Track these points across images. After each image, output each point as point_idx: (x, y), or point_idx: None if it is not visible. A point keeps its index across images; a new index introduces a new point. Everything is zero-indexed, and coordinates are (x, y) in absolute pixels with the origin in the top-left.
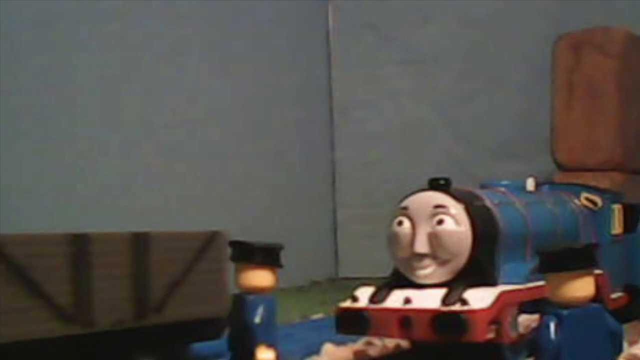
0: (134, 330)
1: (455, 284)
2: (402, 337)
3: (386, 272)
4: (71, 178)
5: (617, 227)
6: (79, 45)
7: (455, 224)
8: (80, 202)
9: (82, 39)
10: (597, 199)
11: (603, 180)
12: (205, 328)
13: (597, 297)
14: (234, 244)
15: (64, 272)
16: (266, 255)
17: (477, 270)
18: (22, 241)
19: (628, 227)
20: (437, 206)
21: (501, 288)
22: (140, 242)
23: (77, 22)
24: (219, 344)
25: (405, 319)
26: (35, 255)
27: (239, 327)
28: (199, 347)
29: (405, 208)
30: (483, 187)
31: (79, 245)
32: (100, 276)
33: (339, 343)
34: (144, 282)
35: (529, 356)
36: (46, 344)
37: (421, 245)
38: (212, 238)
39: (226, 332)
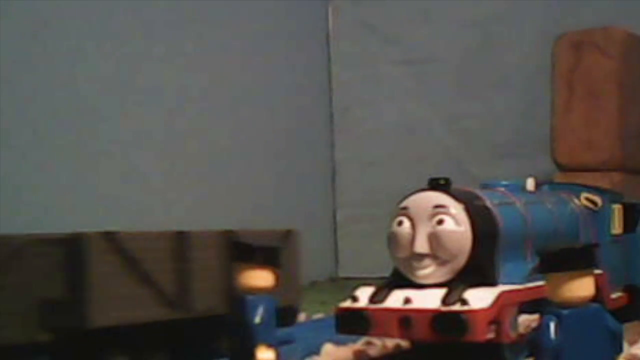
0: (222, 316)
1: (455, 284)
2: (402, 337)
3: (386, 272)
4: (73, 176)
5: (617, 227)
6: (79, 46)
7: (455, 224)
8: (83, 199)
9: (82, 39)
10: (597, 199)
11: (603, 180)
12: (281, 315)
13: (597, 297)
14: (234, 244)
15: (169, 264)
16: (266, 256)
17: (477, 270)
18: (136, 237)
19: (628, 227)
20: (437, 206)
21: (501, 288)
22: (229, 239)
23: (79, 23)
24: (291, 331)
25: (405, 319)
26: (146, 249)
27: (239, 327)
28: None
29: (405, 208)
30: (483, 187)
31: (181, 241)
32: (197, 268)
33: (339, 343)
34: (231, 274)
35: (529, 356)
36: (153, 327)
37: (421, 245)
38: (287, 235)
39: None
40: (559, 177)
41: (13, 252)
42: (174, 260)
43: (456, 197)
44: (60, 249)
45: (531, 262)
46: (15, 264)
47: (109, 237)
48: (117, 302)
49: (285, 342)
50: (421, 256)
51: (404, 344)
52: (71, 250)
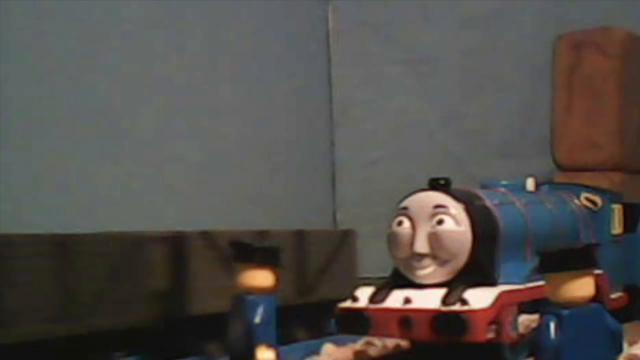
0: (294, 307)
1: (455, 284)
2: (402, 337)
3: (386, 272)
4: (74, 176)
5: (617, 227)
6: (78, 46)
7: (455, 224)
8: (83, 200)
9: (82, 41)
10: (597, 199)
11: (603, 180)
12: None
13: (597, 297)
14: (235, 244)
15: None
16: (266, 256)
17: (477, 270)
18: (227, 235)
19: (628, 227)
20: (437, 206)
21: (501, 288)
22: (301, 238)
23: (79, 23)
24: None
25: (405, 319)
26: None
27: (239, 327)
28: None
29: (405, 208)
30: (483, 187)
31: (263, 239)
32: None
33: (339, 343)
34: (303, 269)
35: (529, 356)
36: None
37: (421, 245)
38: (346, 234)
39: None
40: (559, 177)
41: (130, 247)
42: None
43: (456, 197)
44: (164, 245)
45: (531, 262)
46: (130, 257)
47: (205, 235)
48: (213, 293)
49: None
50: (421, 256)
51: (404, 344)
52: (175, 246)
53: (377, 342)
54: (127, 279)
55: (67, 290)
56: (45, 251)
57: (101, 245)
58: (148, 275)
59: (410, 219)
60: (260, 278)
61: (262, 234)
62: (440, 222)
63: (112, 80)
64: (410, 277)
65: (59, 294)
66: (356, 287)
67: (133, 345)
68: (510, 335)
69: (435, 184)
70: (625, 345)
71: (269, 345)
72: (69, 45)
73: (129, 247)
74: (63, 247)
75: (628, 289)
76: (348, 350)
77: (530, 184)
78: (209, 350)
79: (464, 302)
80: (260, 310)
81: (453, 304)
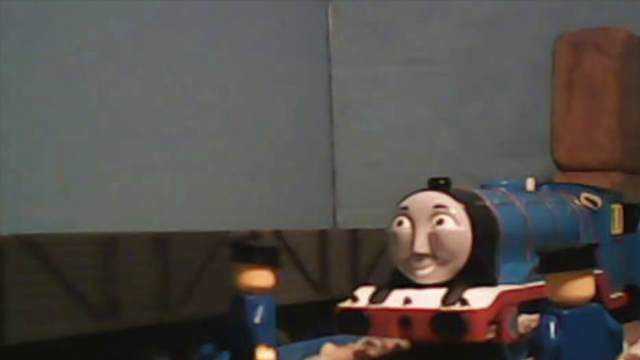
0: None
1: (455, 284)
2: (402, 337)
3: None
4: (72, 177)
5: (617, 227)
6: (79, 46)
7: (455, 224)
8: (81, 199)
9: (82, 42)
10: (597, 199)
11: (603, 180)
12: None
13: (597, 297)
14: (235, 244)
15: (315, 256)
16: (266, 256)
17: (477, 270)
18: (297, 235)
19: (628, 227)
20: (437, 206)
21: (501, 288)
22: (356, 237)
23: (80, 24)
24: None
25: (405, 319)
26: (299, 243)
27: (239, 327)
28: None
29: (405, 208)
30: (483, 187)
31: (323, 238)
32: (335, 260)
33: (339, 343)
34: (357, 265)
35: (529, 356)
36: (302, 308)
37: (421, 245)
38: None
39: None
40: (559, 177)
41: (214, 244)
42: (318, 253)
43: (456, 197)
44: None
45: (531, 262)
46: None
47: (278, 234)
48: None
49: None
50: (421, 256)
51: (404, 344)
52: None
53: (377, 342)
54: (213, 273)
55: (162, 282)
56: (145, 247)
57: (192, 243)
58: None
59: (410, 219)
60: (260, 278)
61: (322, 232)
62: (440, 222)
63: (113, 80)
64: (410, 277)
65: (156, 285)
66: (356, 287)
67: (217, 334)
68: (510, 335)
69: (435, 184)
70: (625, 345)
71: (269, 345)
72: (73, 45)
73: (214, 244)
74: (161, 243)
75: (628, 289)
76: (348, 350)
77: (530, 184)
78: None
79: (464, 302)
80: (260, 310)
81: (453, 304)
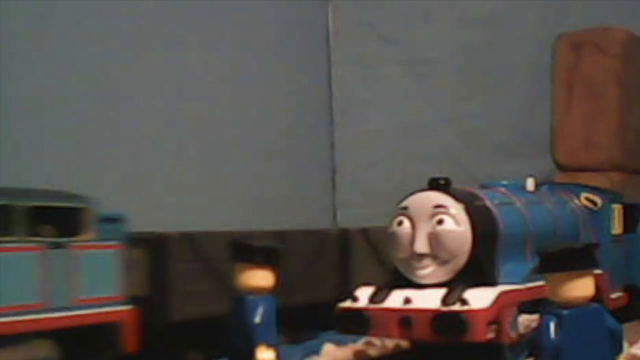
0: None
1: (455, 284)
2: (402, 337)
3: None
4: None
5: (617, 227)
6: (77, 43)
7: (455, 224)
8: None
9: (82, 43)
10: (597, 199)
11: (603, 180)
12: None
13: (597, 297)
14: (235, 244)
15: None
16: (266, 256)
17: (477, 270)
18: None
19: (628, 227)
20: (437, 206)
21: (501, 288)
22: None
23: (80, 24)
24: None
25: (405, 319)
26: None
27: (239, 327)
28: None
29: (405, 208)
30: (483, 187)
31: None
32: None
33: (339, 343)
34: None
35: (529, 356)
36: None
37: (421, 245)
38: None
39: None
40: (559, 177)
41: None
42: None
43: (456, 197)
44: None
45: (531, 262)
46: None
47: (365, 232)
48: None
49: None
50: (421, 256)
51: (404, 344)
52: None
53: (377, 342)
54: (319, 264)
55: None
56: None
57: (304, 238)
58: (332, 262)
59: (410, 219)
60: (260, 278)
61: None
62: (440, 222)
63: (114, 80)
64: (410, 277)
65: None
66: (356, 287)
67: (326, 318)
68: (510, 335)
69: (435, 184)
70: (625, 345)
71: (269, 345)
72: (77, 46)
73: (318, 240)
74: (280, 239)
75: (628, 289)
76: (348, 350)
77: (530, 184)
78: None
79: (464, 302)
80: (260, 310)
81: (453, 304)
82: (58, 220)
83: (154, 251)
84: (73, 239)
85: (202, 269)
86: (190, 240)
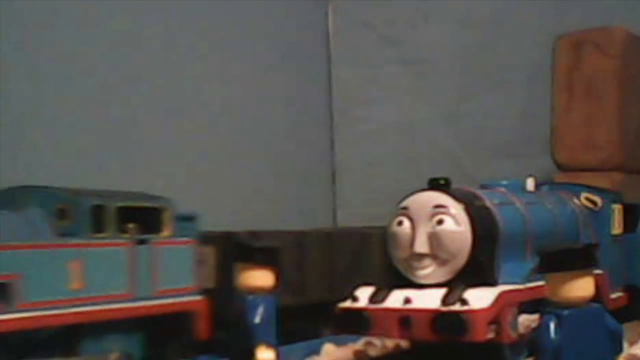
0: None
1: (455, 284)
2: (402, 337)
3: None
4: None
5: (617, 227)
6: (79, 44)
7: (455, 224)
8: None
9: (82, 38)
10: (597, 199)
11: (603, 180)
12: None
13: (597, 297)
14: (235, 244)
15: None
16: (266, 256)
17: (477, 270)
18: None
19: (628, 227)
20: (437, 206)
21: (501, 288)
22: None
23: (81, 23)
24: None
25: (405, 319)
26: None
27: (239, 327)
28: None
29: (405, 208)
30: (483, 187)
31: None
32: None
33: (339, 343)
34: None
35: (529, 356)
36: None
37: (421, 245)
38: None
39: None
40: (559, 177)
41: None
42: None
43: (456, 197)
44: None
45: (531, 262)
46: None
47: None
48: None
49: None
50: (421, 256)
51: (404, 344)
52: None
53: (377, 342)
54: (365, 260)
55: (330, 269)
56: (321, 241)
57: (348, 236)
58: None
59: (410, 219)
60: (260, 278)
61: None
62: (440, 222)
63: (115, 79)
64: (410, 277)
65: (325, 272)
66: (356, 287)
67: None
68: (510, 335)
69: (435, 184)
70: (625, 345)
71: (269, 345)
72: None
73: (359, 239)
74: (329, 238)
75: (628, 289)
76: (348, 350)
77: (530, 184)
78: None
79: (464, 302)
80: (260, 310)
81: (453, 304)
82: (142, 218)
83: (223, 247)
84: (155, 235)
85: None
86: (254, 237)
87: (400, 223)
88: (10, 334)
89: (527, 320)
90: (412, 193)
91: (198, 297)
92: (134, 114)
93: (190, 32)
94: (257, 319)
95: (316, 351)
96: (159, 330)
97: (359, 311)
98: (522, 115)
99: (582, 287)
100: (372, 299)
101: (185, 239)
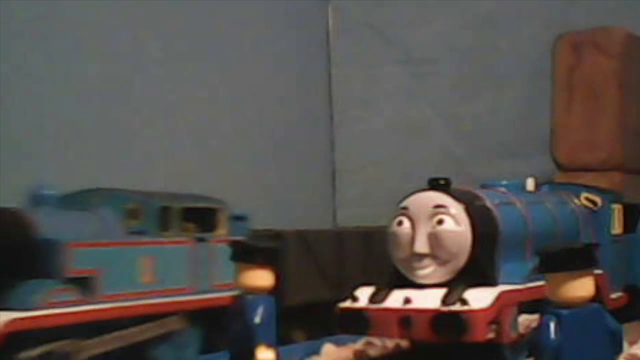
0: None
1: (455, 284)
2: (402, 337)
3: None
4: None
5: (617, 227)
6: (79, 46)
7: (455, 224)
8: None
9: (81, 42)
10: (597, 199)
11: (603, 180)
12: None
13: (597, 297)
14: (235, 244)
15: None
16: (266, 256)
17: (477, 270)
18: None
19: (628, 227)
20: (437, 206)
21: (501, 288)
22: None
23: (82, 23)
24: None
25: (405, 319)
26: None
27: (239, 327)
28: None
29: (405, 208)
30: (483, 187)
31: None
32: None
33: (339, 343)
34: None
35: (529, 356)
36: None
37: (421, 245)
38: None
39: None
40: (559, 177)
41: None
42: None
43: (456, 197)
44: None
45: (531, 262)
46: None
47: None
48: None
49: None
50: (421, 256)
51: (404, 344)
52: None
53: (377, 342)
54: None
55: (340, 267)
56: (358, 240)
57: (363, 236)
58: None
59: (410, 219)
60: (260, 278)
61: None
62: (440, 222)
63: (117, 78)
64: (410, 277)
65: (334, 270)
66: (356, 287)
67: None
68: (510, 335)
69: (435, 184)
70: (625, 345)
71: (269, 345)
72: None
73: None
74: (338, 237)
75: (628, 289)
76: (348, 350)
77: (530, 184)
78: None
79: (464, 302)
80: (260, 310)
81: (453, 304)
82: (200, 218)
83: None
84: (211, 234)
85: (310, 261)
86: (301, 236)
87: (400, 223)
88: (93, 322)
89: (527, 320)
90: (412, 193)
91: None
92: (133, 113)
93: (190, 32)
94: (257, 319)
95: (316, 351)
96: (213, 322)
97: (359, 311)
98: (522, 115)
99: (582, 287)
100: (372, 299)
101: (238, 237)
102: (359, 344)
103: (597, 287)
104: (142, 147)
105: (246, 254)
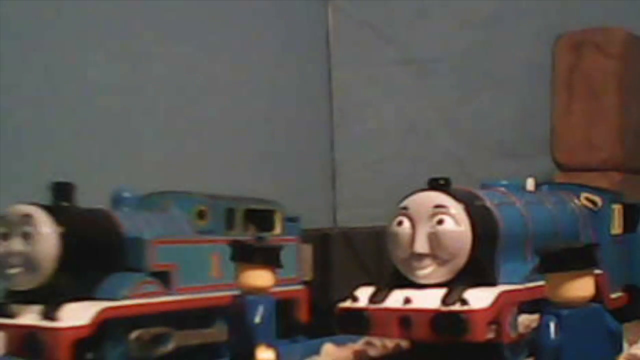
0: None
1: (455, 284)
2: (402, 337)
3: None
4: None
5: (617, 227)
6: (82, 40)
7: (455, 224)
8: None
9: (83, 41)
10: (597, 199)
11: (603, 180)
12: None
13: (597, 297)
14: (235, 244)
15: None
16: (266, 256)
17: (477, 270)
18: None
19: (628, 227)
20: (437, 206)
21: (501, 288)
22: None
23: (81, 22)
24: None
25: (405, 319)
26: None
27: (239, 327)
28: None
29: (405, 208)
30: (483, 187)
31: None
32: None
33: (339, 343)
34: None
35: (529, 356)
36: None
37: (421, 245)
38: None
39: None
40: (559, 177)
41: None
42: None
43: (456, 197)
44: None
45: (531, 262)
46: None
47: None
48: None
49: None
50: (421, 256)
51: (404, 344)
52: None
53: (377, 342)
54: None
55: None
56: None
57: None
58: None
59: (410, 219)
60: (260, 278)
61: None
62: (440, 222)
63: (117, 77)
64: (410, 277)
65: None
66: (356, 287)
67: None
68: (510, 335)
69: (435, 184)
70: (625, 345)
71: (269, 345)
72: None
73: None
74: (347, 236)
75: (628, 289)
76: (348, 350)
77: (530, 184)
78: None
79: (464, 302)
80: (260, 310)
81: (453, 304)
82: (258, 219)
83: (320, 244)
84: (269, 233)
85: (353, 258)
86: (345, 235)
87: (400, 223)
88: (171, 312)
89: (527, 320)
90: (412, 193)
91: (300, 287)
92: (133, 115)
93: (187, 32)
94: (257, 319)
95: (316, 351)
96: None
97: (359, 311)
98: (522, 115)
99: (582, 287)
100: (372, 299)
101: (291, 236)
102: (359, 344)
103: (597, 287)
104: (141, 147)
105: (246, 254)
